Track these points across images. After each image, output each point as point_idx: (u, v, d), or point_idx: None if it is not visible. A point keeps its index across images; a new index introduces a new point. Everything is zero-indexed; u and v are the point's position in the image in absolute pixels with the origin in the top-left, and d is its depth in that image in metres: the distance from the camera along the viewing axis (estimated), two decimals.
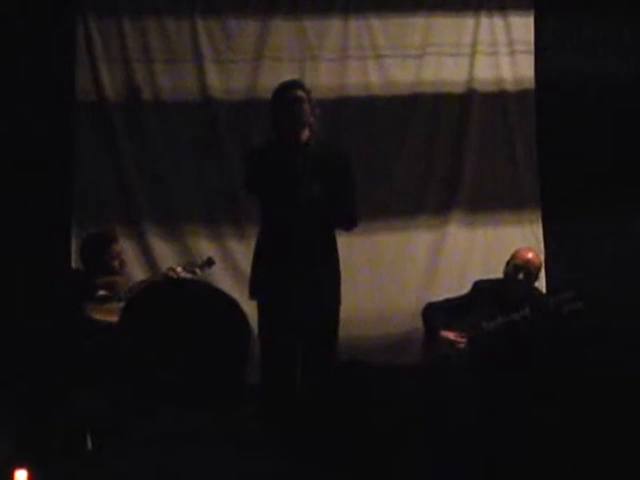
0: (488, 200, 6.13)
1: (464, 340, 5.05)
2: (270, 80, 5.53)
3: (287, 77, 5.14)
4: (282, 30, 6.04)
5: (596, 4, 6.13)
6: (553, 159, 6.13)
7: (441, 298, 5.35)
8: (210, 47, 6.01)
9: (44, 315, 5.24)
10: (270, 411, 4.59)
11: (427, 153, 6.13)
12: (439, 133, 6.15)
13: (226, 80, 6.02)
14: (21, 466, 2.45)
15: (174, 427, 1.72)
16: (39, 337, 5.01)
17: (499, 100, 6.17)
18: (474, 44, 6.14)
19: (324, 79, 6.01)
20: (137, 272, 5.79)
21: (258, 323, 4.73)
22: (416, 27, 6.12)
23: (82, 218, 5.85)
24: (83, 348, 4.82)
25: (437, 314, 5.21)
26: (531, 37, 6.17)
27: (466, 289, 5.34)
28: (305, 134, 4.75)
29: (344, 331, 5.03)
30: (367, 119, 6.07)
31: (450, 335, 5.09)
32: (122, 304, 4.75)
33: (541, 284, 5.71)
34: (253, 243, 4.97)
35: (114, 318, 4.46)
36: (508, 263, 5.21)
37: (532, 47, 6.17)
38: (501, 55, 6.17)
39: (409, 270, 6.06)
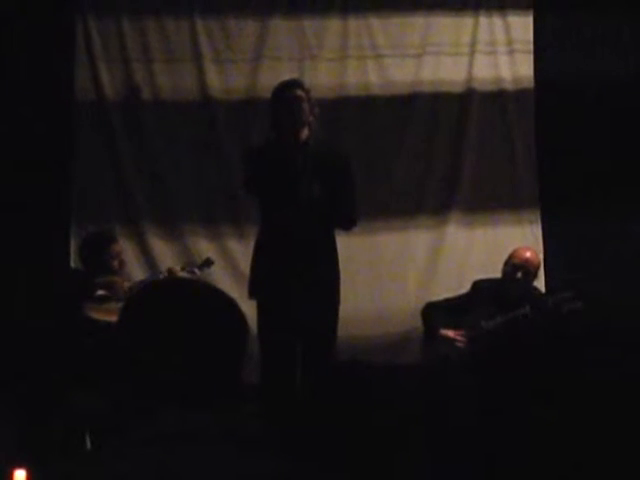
0: (487, 200, 6.14)
1: (463, 338, 5.05)
2: (269, 80, 5.53)
3: (286, 76, 5.14)
4: (281, 30, 6.05)
5: (595, 3, 6.12)
6: (552, 159, 6.13)
7: (440, 298, 5.36)
8: (209, 47, 6.01)
9: (44, 315, 5.23)
10: (270, 411, 4.59)
11: (426, 153, 6.13)
12: (438, 133, 6.15)
13: (225, 80, 6.02)
14: (20, 466, 2.44)
15: (174, 427, 1.72)
16: (39, 337, 5.00)
17: (498, 99, 6.17)
18: (473, 43, 6.14)
19: (323, 78, 6.01)
20: (136, 272, 5.79)
21: (257, 323, 4.73)
22: (415, 27, 6.12)
23: (81, 218, 5.85)
24: (83, 348, 4.82)
25: (437, 313, 5.21)
26: (530, 36, 6.17)
27: (465, 289, 5.35)
28: (304, 133, 4.75)
29: (344, 331, 5.04)
30: (366, 118, 6.07)
31: (450, 333, 5.09)
32: (121, 304, 4.75)
33: (540, 284, 5.71)
34: (252, 243, 4.98)
35: (113, 318, 4.45)
36: (506, 263, 5.21)
37: (531, 46, 6.17)
38: (500, 54, 6.17)
39: (408, 270, 6.06)
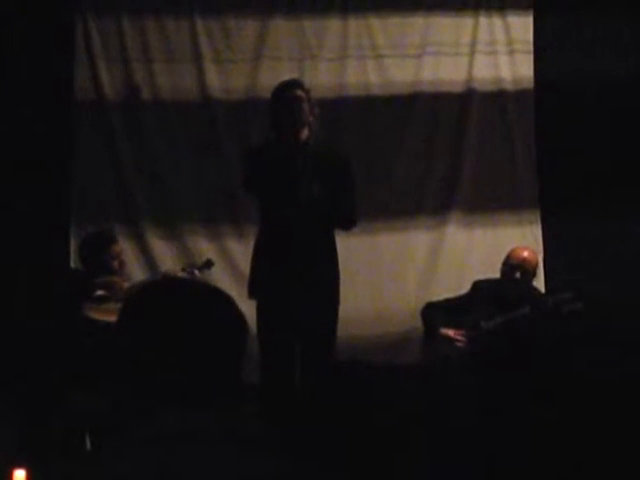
0: (487, 200, 6.14)
1: (464, 338, 5.06)
2: (269, 80, 5.53)
3: (286, 76, 5.15)
4: (281, 30, 6.05)
5: (595, 4, 6.12)
6: (552, 159, 6.13)
7: (440, 298, 5.36)
8: (209, 47, 6.01)
9: (43, 315, 5.23)
10: (270, 411, 4.59)
11: (426, 153, 6.13)
12: (438, 133, 6.15)
13: (225, 80, 6.02)
14: (20, 466, 2.45)
15: (174, 427, 1.72)
16: (39, 337, 5.00)
17: (498, 100, 6.17)
18: (473, 44, 6.15)
19: (323, 78, 6.01)
20: (136, 272, 5.79)
21: (257, 323, 4.73)
22: (415, 27, 6.12)
23: (81, 218, 5.85)
24: (82, 348, 4.82)
25: (437, 313, 5.22)
26: (530, 37, 6.17)
27: (465, 289, 5.35)
28: (304, 133, 4.75)
29: (343, 331, 5.04)
30: (366, 119, 6.07)
31: (450, 332, 5.10)
32: (120, 304, 4.74)
33: (540, 284, 5.71)
34: (252, 242, 4.98)
35: (112, 318, 4.45)
36: (504, 263, 5.22)
37: (531, 47, 6.17)
38: (500, 55, 6.17)
39: (408, 270, 6.06)
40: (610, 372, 2.04)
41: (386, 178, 6.07)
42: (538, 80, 6.15)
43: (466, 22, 6.15)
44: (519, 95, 6.17)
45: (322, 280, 4.74)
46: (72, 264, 5.71)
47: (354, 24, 6.09)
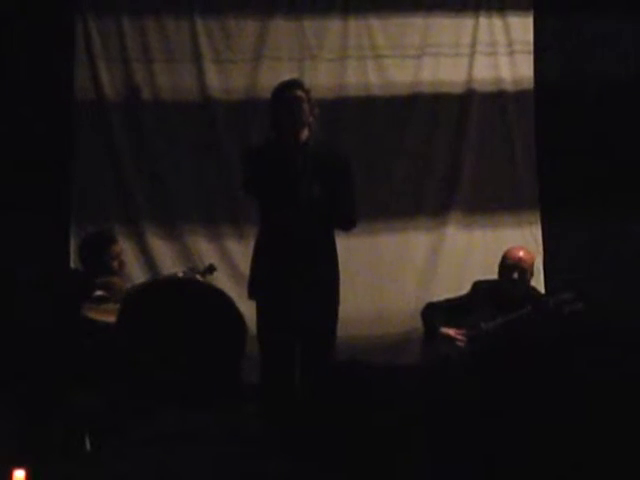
0: (487, 201, 6.14)
1: (464, 337, 5.06)
2: (269, 80, 5.53)
3: (286, 77, 5.14)
4: (281, 30, 6.05)
5: (595, 4, 6.13)
6: (552, 159, 6.13)
7: (440, 298, 5.36)
8: (209, 47, 6.01)
9: (43, 315, 5.23)
10: (269, 411, 4.58)
11: (426, 153, 6.13)
12: (438, 133, 6.14)
13: (225, 80, 6.02)
14: (20, 466, 2.44)
15: (174, 427, 1.72)
16: (38, 337, 5.00)
17: (498, 100, 6.17)
18: (473, 44, 6.15)
19: (323, 79, 6.01)
20: (136, 272, 5.79)
21: (257, 323, 4.71)
22: (415, 27, 6.12)
23: (81, 218, 5.85)
24: (82, 348, 4.82)
25: (437, 314, 5.22)
26: (530, 37, 6.17)
27: (465, 290, 5.35)
28: (304, 134, 4.74)
29: (343, 331, 5.03)
30: (366, 119, 6.07)
31: (450, 332, 5.10)
32: (119, 305, 4.75)
33: (540, 285, 5.71)
34: (252, 243, 4.97)
35: (111, 318, 4.45)
36: (501, 264, 5.21)
37: (531, 47, 6.17)
38: (500, 55, 6.17)
39: (408, 271, 6.06)
40: (610, 372, 2.04)
41: (386, 178, 6.07)
42: (538, 81, 6.15)
43: (466, 23, 6.15)
44: (519, 95, 6.17)
45: (322, 280, 4.74)
46: (72, 264, 5.71)
47: (354, 24, 6.09)
